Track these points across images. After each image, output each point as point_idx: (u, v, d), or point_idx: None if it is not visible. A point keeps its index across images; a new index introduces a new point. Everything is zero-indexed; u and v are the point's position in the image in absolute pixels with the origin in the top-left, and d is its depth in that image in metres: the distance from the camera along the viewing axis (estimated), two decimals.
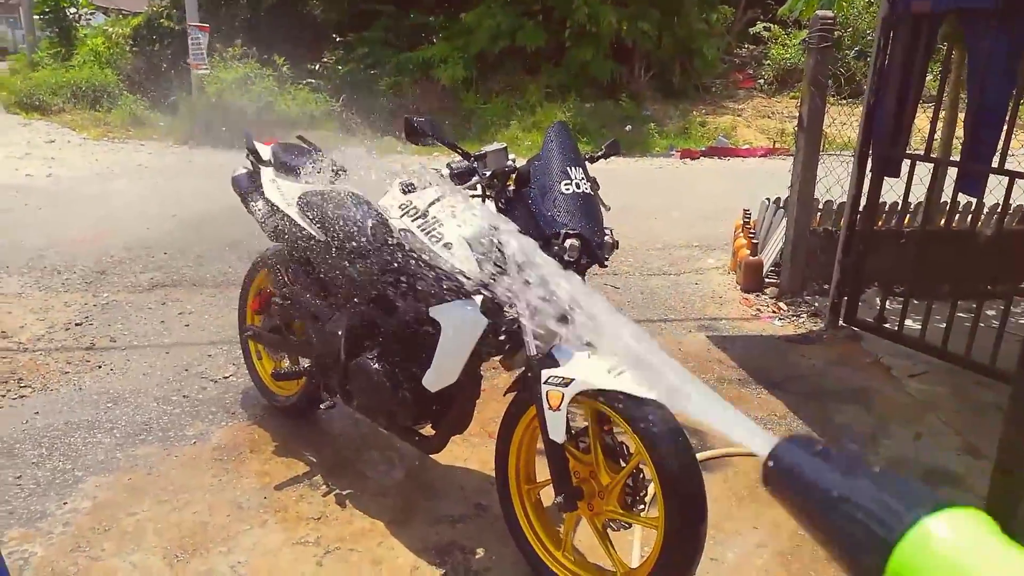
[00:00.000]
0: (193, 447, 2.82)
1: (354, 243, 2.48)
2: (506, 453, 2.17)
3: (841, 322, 4.08)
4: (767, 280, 4.82)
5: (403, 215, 2.19)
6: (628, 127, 12.73)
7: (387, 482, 2.63)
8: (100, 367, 3.46)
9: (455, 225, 2.14)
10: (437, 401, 2.28)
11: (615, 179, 9.35)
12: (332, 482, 2.61)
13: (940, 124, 4.33)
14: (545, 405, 1.93)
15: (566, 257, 1.90)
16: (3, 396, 3.15)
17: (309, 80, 13.46)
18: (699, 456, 2.74)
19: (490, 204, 2.00)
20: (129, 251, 5.22)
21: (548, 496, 2.08)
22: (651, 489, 1.92)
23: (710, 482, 2.64)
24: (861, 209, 3.91)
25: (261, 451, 2.81)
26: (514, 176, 1.99)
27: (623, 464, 1.96)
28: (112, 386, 3.28)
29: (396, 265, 2.28)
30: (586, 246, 1.94)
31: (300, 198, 2.68)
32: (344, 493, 2.55)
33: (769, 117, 13.78)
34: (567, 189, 1.95)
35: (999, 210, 3.64)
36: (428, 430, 2.42)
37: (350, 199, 2.65)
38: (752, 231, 4.96)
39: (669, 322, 4.25)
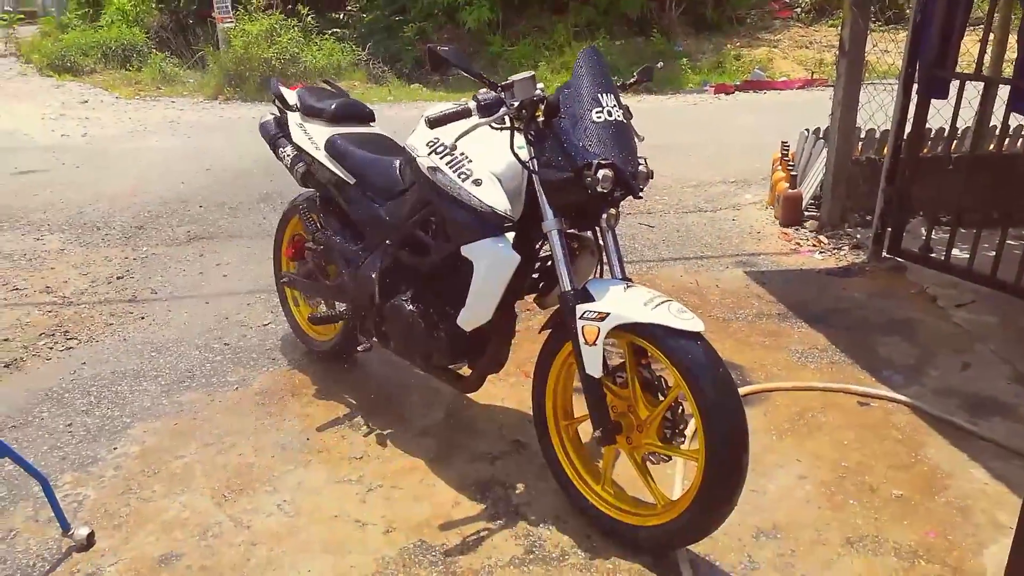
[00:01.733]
0: (236, 392, 2.88)
1: (383, 184, 2.46)
2: (543, 389, 2.16)
3: (885, 253, 3.96)
4: (807, 213, 4.69)
5: (431, 152, 2.15)
6: (660, 64, 12.21)
7: (426, 422, 2.65)
8: (143, 318, 3.53)
9: (484, 160, 2.09)
10: (472, 340, 2.27)
11: (648, 116, 9.13)
12: (372, 423, 2.64)
13: (991, 43, 4.12)
14: (581, 340, 1.91)
15: (599, 188, 1.85)
16: (51, 348, 3.24)
17: (335, 30, 13.30)
18: (740, 391, 2.74)
19: (518, 137, 1.95)
20: (165, 205, 5.27)
21: (586, 431, 2.07)
22: (691, 422, 1.90)
23: (751, 416, 2.60)
24: (906, 135, 3.76)
25: (302, 395, 2.85)
26: (543, 106, 1.92)
27: (661, 398, 1.94)
28: (155, 336, 3.35)
29: (426, 205, 2.25)
30: (619, 176, 1.88)
31: (328, 141, 2.65)
32: (385, 433, 2.58)
33: (807, 47, 13.26)
34: (599, 117, 1.89)
35: None
36: (465, 370, 2.43)
37: (375, 140, 2.61)
38: (790, 164, 4.81)
39: (706, 259, 4.18)
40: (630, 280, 2.01)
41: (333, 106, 2.74)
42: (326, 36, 12.90)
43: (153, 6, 14.97)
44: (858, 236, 4.32)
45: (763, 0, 15.24)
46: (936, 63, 3.50)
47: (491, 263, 2.07)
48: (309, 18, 12.48)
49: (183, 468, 2.42)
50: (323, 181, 2.69)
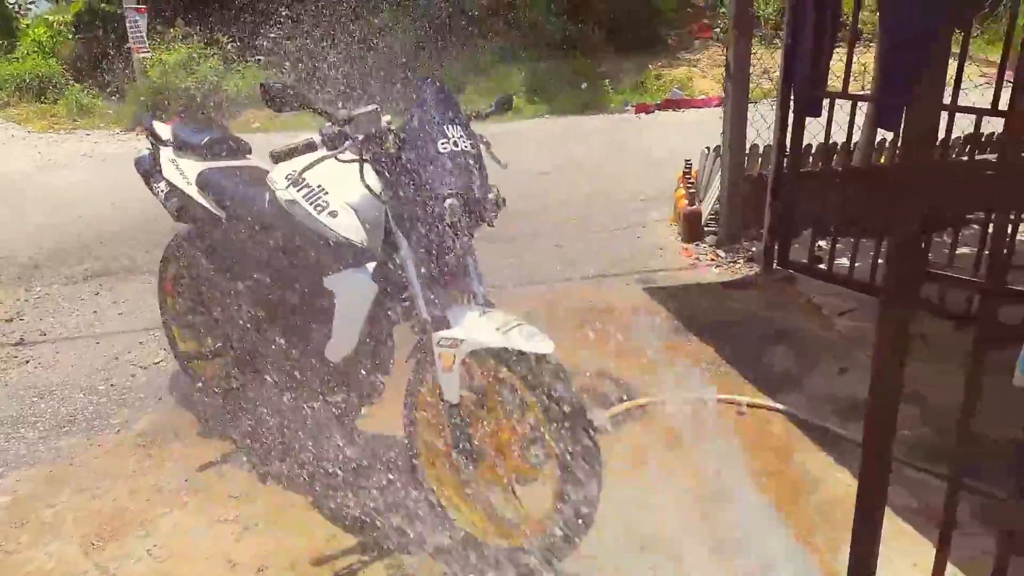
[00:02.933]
0: (117, 435, 2.81)
1: (253, 218, 2.45)
2: (413, 418, 2.17)
3: (776, 265, 4.11)
4: (707, 229, 4.83)
5: (289, 185, 2.16)
6: (584, 84, 12.62)
7: (310, 455, 2.63)
8: (28, 362, 3.42)
9: (341, 192, 2.11)
10: (346, 370, 2.27)
11: (569, 137, 9.30)
12: (255, 459, 2.61)
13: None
14: (439, 367, 1.93)
15: (447, 218, 1.88)
16: None
17: (258, 57, 13.20)
18: (611, 411, 2.80)
19: (368, 169, 1.97)
20: (65, 242, 5.13)
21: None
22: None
23: (630, 430, 2.69)
24: (788, 151, 3.92)
25: (186, 434, 2.80)
26: (391, 138, 1.95)
27: (522, 420, 1.97)
28: (40, 380, 3.25)
29: (290, 238, 2.25)
30: (468, 205, 1.92)
31: (199, 176, 2.63)
32: (266, 470, 2.55)
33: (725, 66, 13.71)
34: (444, 148, 1.92)
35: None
36: (342, 400, 2.42)
37: (247, 173, 2.61)
38: (691, 181, 4.96)
39: (609, 277, 4.26)
40: (490, 305, 2.05)
41: (205, 139, 2.72)
42: (249, 64, 12.79)
43: (70, 37, 14.62)
44: (752, 250, 4.47)
45: (683, 22, 15.74)
46: (808, 83, 3.67)
47: (350, 294, 2.08)
48: (229, 46, 12.34)
49: (53, 516, 2.34)
50: (195, 216, 2.67)
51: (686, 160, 5.45)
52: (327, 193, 2.12)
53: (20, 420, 2.91)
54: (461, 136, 1.97)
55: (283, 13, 14.50)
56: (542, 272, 4.36)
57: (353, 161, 1.95)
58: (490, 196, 2.00)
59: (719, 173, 4.84)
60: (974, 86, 4.08)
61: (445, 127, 1.95)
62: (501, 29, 13.67)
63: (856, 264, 3.82)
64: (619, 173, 6.82)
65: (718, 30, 15.34)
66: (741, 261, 4.39)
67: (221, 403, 2.90)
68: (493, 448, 2.01)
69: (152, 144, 2.87)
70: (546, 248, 4.76)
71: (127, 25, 11.20)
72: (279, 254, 2.32)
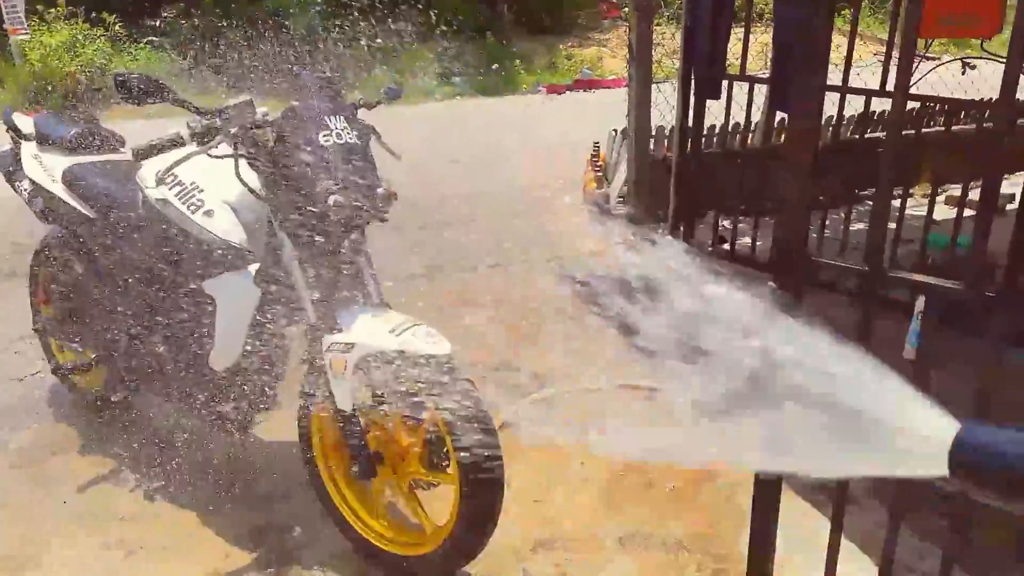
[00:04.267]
0: None
1: (124, 217, 2.27)
2: (308, 425, 2.06)
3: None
4: (615, 212, 4.84)
5: (159, 183, 2.00)
6: (495, 66, 12.52)
7: (200, 469, 2.48)
8: None
9: (217, 189, 1.97)
10: (233, 379, 2.13)
11: (478, 120, 9.19)
12: (141, 477, 2.44)
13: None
14: (330, 373, 1.83)
15: (332, 216, 1.77)
16: None
17: (151, 38, 12.49)
18: (530, 398, 2.75)
19: (244, 165, 1.84)
20: None
21: None
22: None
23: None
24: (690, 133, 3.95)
25: (66, 452, 2.59)
26: (268, 131, 1.82)
27: (420, 425, 1.89)
28: None
29: (165, 239, 2.09)
30: (354, 200, 1.81)
31: (65, 172, 2.42)
32: (154, 487, 2.39)
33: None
34: (326, 140, 1.81)
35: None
36: (232, 410, 2.29)
37: (119, 169, 2.41)
38: (598, 164, 4.96)
39: (520, 264, 4.22)
40: (385, 305, 1.96)
41: (72, 132, 2.50)
42: (141, 45, 12.10)
43: None
44: (659, 232, 4.51)
45: (592, 1, 15.80)
46: (707, 65, 3.69)
47: (231, 299, 1.96)
48: (117, 26, 11.62)
49: None
50: (62, 216, 2.45)
51: (594, 143, 5.45)
52: (202, 191, 1.97)
53: None
54: (344, 127, 1.86)
55: None
56: (454, 263, 4.27)
57: (227, 156, 1.82)
58: (380, 190, 1.89)
59: (626, 156, 4.86)
60: (865, 65, 4.21)
61: (326, 118, 1.83)
62: (412, 11, 13.39)
63: (758, 243, 3.90)
64: (529, 157, 6.77)
65: (627, 10, 15.50)
66: (649, 244, 4.41)
67: (104, 417, 2.71)
68: (392, 455, 1.93)
69: (13, 139, 2.62)
70: (457, 237, 4.67)
71: (2, 5, 10.36)
72: (155, 257, 2.15)
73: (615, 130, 5.30)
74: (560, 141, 7.25)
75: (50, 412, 2.84)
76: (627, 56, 4.61)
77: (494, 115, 9.47)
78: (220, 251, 1.94)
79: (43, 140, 2.53)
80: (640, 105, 4.44)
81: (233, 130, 1.77)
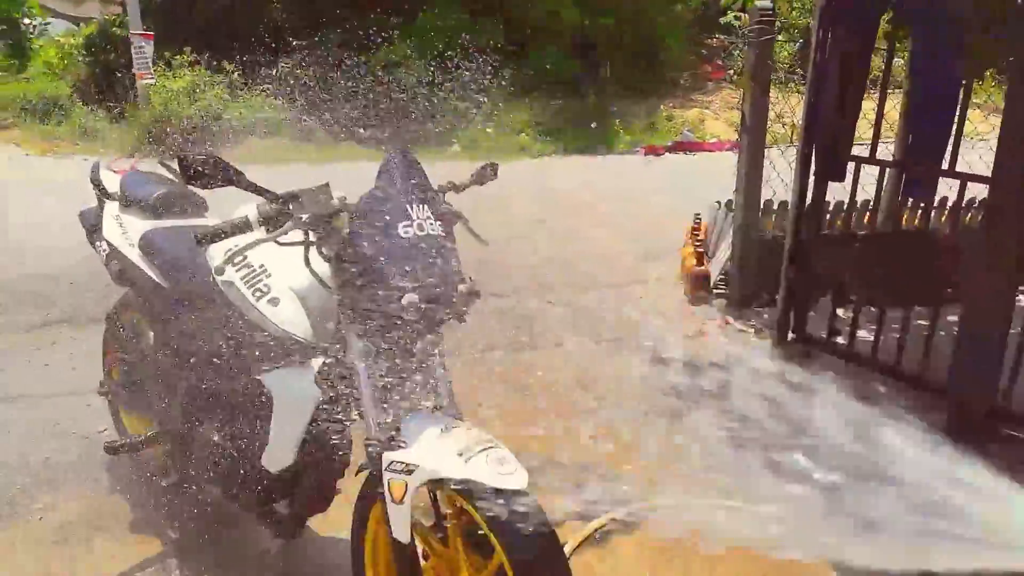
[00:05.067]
0: (36, 524, 2.46)
1: (192, 292, 2.13)
2: (361, 550, 1.82)
3: (790, 337, 3.77)
4: (716, 291, 4.50)
5: (226, 262, 1.84)
6: (593, 124, 12.41)
7: (248, 564, 2.27)
8: None
9: (286, 275, 1.79)
10: (285, 479, 1.93)
11: (571, 179, 9.02)
12: (186, 567, 2.25)
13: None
14: (388, 497, 1.59)
15: (404, 315, 1.55)
16: None
17: (266, 86, 13.05)
18: (609, 515, 2.44)
19: (315, 253, 1.65)
20: (32, 283, 4.83)
21: None
22: None
23: (621, 544, 2.33)
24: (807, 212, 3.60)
25: (113, 528, 2.44)
26: (341, 218, 1.63)
27: (485, 565, 1.62)
28: None
29: (228, 322, 1.92)
30: (430, 300, 1.59)
31: (143, 236, 2.32)
32: None
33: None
34: (406, 232, 1.60)
35: (953, 210, 3.34)
36: (284, 509, 2.08)
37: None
38: (699, 238, 4.64)
39: (601, 343, 3.92)
40: (458, 417, 1.71)
41: (155, 194, 2.41)
42: (256, 93, 12.64)
43: (80, 60, 14.55)
44: (765, 317, 4.13)
45: (696, 62, 15.57)
46: (831, 146, 3.36)
47: (289, 397, 1.76)
48: (235, 74, 12.19)
49: None
50: (135, 282, 2.35)
51: (695, 214, 5.14)
52: (269, 276, 1.80)
53: None
54: (428, 217, 1.65)
55: (292, 42, 14.46)
56: (527, 334, 4.02)
57: (296, 244, 1.63)
58: (462, 288, 1.67)
59: (730, 231, 4.53)
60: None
61: (408, 206, 1.62)
62: (509, 68, 13.53)
63: (880, 339, 3.48)
64: (622, 221, 6.52)
65: (731, 72, 15.17)
66: (752, 330, 4.04)
67: (159, 495, 2.56)
68: None
69: (97, 197, 2.56)
70: (535, 306, 4.43)
71: (132, 51, 11.05)
72: (218, 339, 1.99)
73: (719, 202, 4.98)
74: (654, 205, 6.98)
75: (106, 478, 2.72)
76: (733, 119, 4.32)
77: (588, 175, 9.29)
78: (281, 343, 1.76)
79: (127, 200, 2.45)
80: (750, 179, 4.12)
81: (305, 217, 1.59)
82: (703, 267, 4.46)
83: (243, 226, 1.58)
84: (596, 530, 2.40)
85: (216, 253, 1.90)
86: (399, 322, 1.58)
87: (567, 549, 2.29)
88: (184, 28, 13.88)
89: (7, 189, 8.33)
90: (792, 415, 2.94)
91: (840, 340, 3.68)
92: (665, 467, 2.76)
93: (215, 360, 2.01)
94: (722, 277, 4.56)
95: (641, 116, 12.92)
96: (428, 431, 1.61)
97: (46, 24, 17.49)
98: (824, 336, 3.64)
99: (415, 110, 13.08)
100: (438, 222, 1.67)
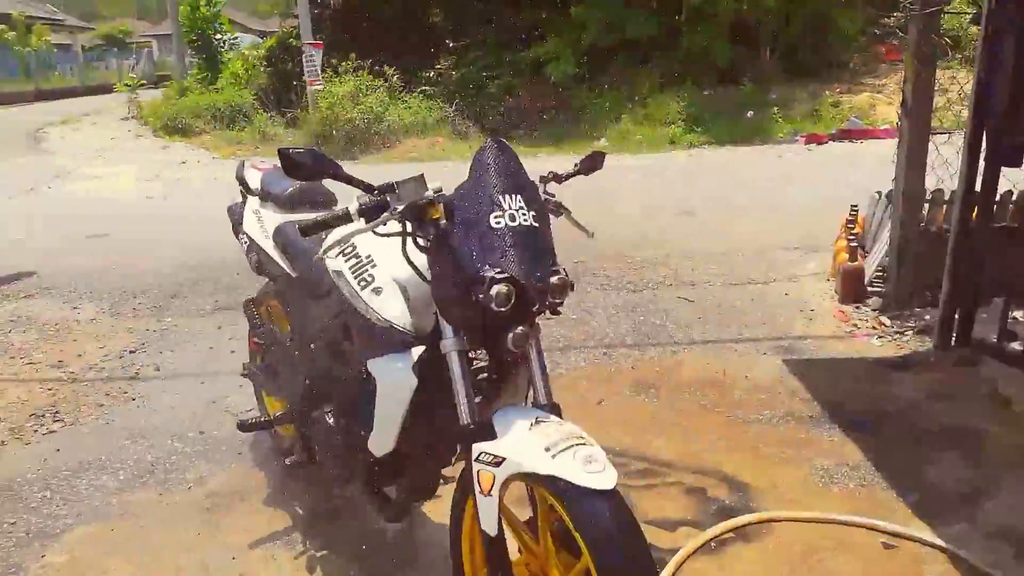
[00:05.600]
0: (188, 493, 2.70)
1: (316, 280, 2.24)
2: (459, 539, 1.84)
3: (954, 342, 3.39)
4: (871, 289, 4.14)
5: (339, 253, 1.92)
6: (749, 113, 11.85)
7: (366, 544, 2.37)
8: (134, 400, 3.47)
9: (390, 266, 1.84)
10: (396, 463, 1.99)
11: (723, 171, 8.66)
12: (310, 541, 2.39)
13: None
14: (476, 488, 1.59)
15: (493, 306, 1.54)
16: (35, 431, 3.20)
17: (424, 88, 13.60)
18: (738, 520, 2.32)
19: (412, 245, 1.67)
20: (205, 272, 5.32)
21: None
22: None
23: (744, 552, 2.20)
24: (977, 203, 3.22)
25: (251, 500, 2.64)
26: (437, 208, 1.65)
27: (572, 565, 1.58)
28: (137, 421, 3.26)
29: (341, 310, 2.01)
30: (521, 291, 1.57)
31: (276, 230, 2.48)
32: (317, 555, 2.32)
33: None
34: (498, 222, 1.59)
35: None
36: (393, 493, 2.14)
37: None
38: (854, 232, 4.28)
39: (742, 342, 3.72)
40: (553, 409, 1.68)
41: (288, 190, 2.57)
42: (414, 94, 13.21)
43: (262, 70, 15.89)
44: (926, 319, 3.74)
45: (868, 43, 14.38)
46: (1006, 128, 2.98)
47: (387, 384, 1.80)
48: (395, 78, 12.80)
49: None
50: (270, 272, 2.52)
51: (852, 205, 4.77)
52: (375, 266, 1.85)
53: (105, 466, 2.90)
54: (520, 208, 1.63)
55: (449, 44, 14.95)
56: (665, 333, 3.89)
57: (394, 235, 1.67)
58: (554, 280, 1.64)
59: (889, 224, 4.15)
60: None
61: (501, 196, 1.61)
62: (662, 57, 13.19)
63: None
64: (774, 214, 6.17)
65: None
66: (910, 333, 3.68)
67: (294, 473, 2.73)
68: None
69: (241, 193, 2.77)
70: (673, 302, 4.28)
71: (303, 60, 11.90)
72: (334, 327, 2.08)
73: (879, 192, 4.58)
74: (812, 197, 6.54)
75: (250, 454, 2.94)
76: (899, 106, 3.93)
77: (742, 165, 8.88)
78: (384, 331, 1.81)
79: (265, 196, 2.63)
80: (912, 166, 3.74)
81: (400, 208, 1.62)
82: (856, 263, 4.12)
83: (344, 217, 1.64)
84: (712, 539, 2.27)
85: (330, 242, 1.98)
86: (489, 314, 1.57)
87: (680, 555, 2.20)
88: (352, 36, 14.75)
89: (197, 187, 9.24)
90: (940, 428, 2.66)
91: (1016, 346, 3.27)
92: (790, 479, 2.59)
93: (332, 347, 2.11)
94: (879, 273, 4.19)
95: (804, 102, 12.17)
96: (518, 424, 1.59)
97: (235, 39, 19.23)
98: (995, 341, 3.24)
99: (565, 105, 13.14)
100: (532, 212, 1.64)
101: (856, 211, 4.77)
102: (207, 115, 14.59)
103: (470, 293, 1.57)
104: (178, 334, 4.26)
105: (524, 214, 1.63)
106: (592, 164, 2.00)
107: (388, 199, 1.65)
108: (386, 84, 12.75)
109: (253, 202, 2.67)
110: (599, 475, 1.47)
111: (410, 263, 1.71)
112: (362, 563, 2.28)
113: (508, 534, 1.71)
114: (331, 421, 2.09)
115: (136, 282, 5.20)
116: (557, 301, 1.66)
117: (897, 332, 3.70)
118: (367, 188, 1.65)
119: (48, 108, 19.38)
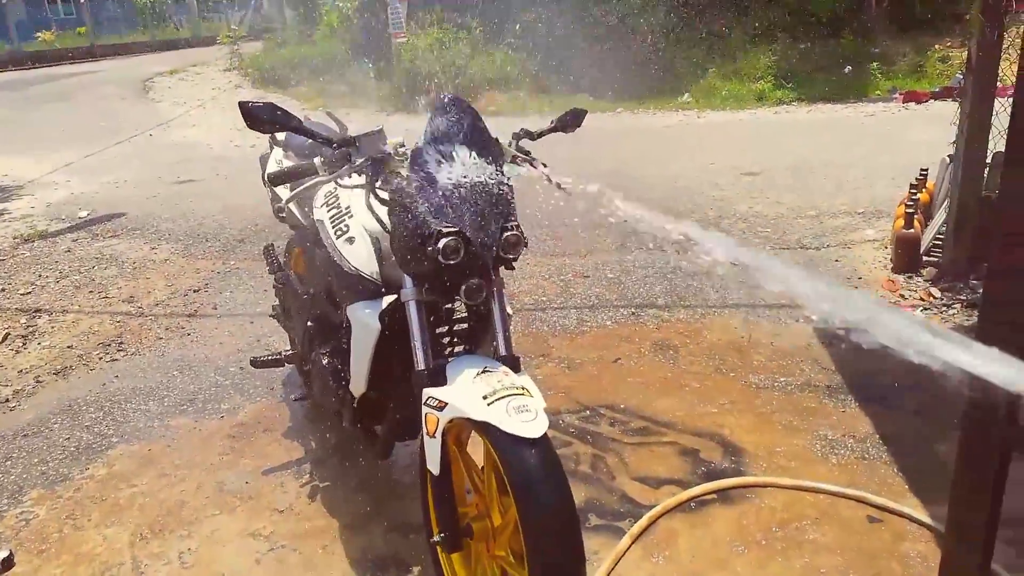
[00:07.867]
0: (219, 421, 2.94)
1: (315, 230, 2.37)
2: (424, 481, 1.95)
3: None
4: (926, 259, 3.93)
5: (323, 204, 2.03)
6: (847, 68, 11.17)
7: (368, 476, 2.53)
8: (189, 335, 3.75)
9: (360, 217, 1.94)
10: (375, 403, 2.11)
11: (804, 130, 8.27)
12: (317, 472, 2.57)
13: None
14: (424, 429, 1.69)
15: (440, 259, 1.61)
16: (100, 359, 3.53)
17: (509, 40, 13.51)
18: (723, 483, 2.33)
19: (371, 196, 1.76)
20: (272, 220, 5.58)
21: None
22: None
23: (723, 516, 2.23)
24: None
25: (273, 431, 2.85)
26: (395, 162, 1.72)
27: (506, 509, 1.66)
28: (189, 353, 3.54)
29: (327, 258, 2.13)
30: (471, 245, 1.63)
31: None
32: (321, 485, 2.50)
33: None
34: (452, 178, 1.65)
35: None
36: (378, 431, 2.28)
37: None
38: (914, 197, 4.06)
39: (775, 308, 3.63)
40: (509, 361, 1.75)
41: (308, 143, 2.68)
42: (499, 47, 13.15)
43: (355, 22, 16.18)
44: (979, 292, 3.53)
45: None
46: None
47: (358, 329, 1.91)
48: (479, 30, 12.78)
49: (127, 499, 2.50)
50: (290, 221, 2.67)
51: (921, 170, 4.53)
52: (351, 216, 1.96)
53: (153, 393, 3.18)
54: (476, 163, 1.68)
55: None
56: (700, 295, 3.85)
57: (357, 187, 1.76)
58: (507, 236, 1.69)
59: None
60: None
61: (455, 150, 1.67)
62: (759, 7, 12.55)
63: None
64: (845, 177, 5.89)
65: None
66: (958, 306, 3.50)
67: (310, 410, 2.92)
68: (483, 531, 1.73)
69: (270, 143, 2.93)
70: (719, 265, 4.20)
71: (388, 12, 12.05)
72: (324, 273, 2.21)
73: (948, 157, 4.31)
74: (892, 160, 6.19)
75: (280, 390, 3.16)
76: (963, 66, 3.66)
77: (827, 125, 8.46)
78: (355, 279, 1.91)
79: (286, 146, 2.78)
80: (974, 128, 3.51)
81: (359, 161, 1.71)
82: (912, 230, 3.92)
83: (309, 168, 1.74)
84: (692, 498, 2.30)
85: (320, 193, 2.10)
86: (439, 265, 1.64)
87: (656, 511, 2.24)
88: None
89: None
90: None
91: None
92: (788, 446, 2.57)
93: (327, 292, 2.24)
94: (938, 242, 3.97)
95: (908, 57, 11.36)
96: (466, 372, 1.67)
97: None
98: None
99: (649, 60, 12.77)
100: (487, 166, 1.69)
101: (925, 175, 4.52)
102: (302, 67, 15.06)
103: (424, 245, 1.64)
104: (239, 276, 4.54)
105: (478, 169, 1.68)
106: (573, 120, 2.02)
107: (350, 152, 1.73)
108: (469, 37, 12.75)
109: (278, 152, 2.81)
110: (528, 424, 1.53)
111: (374, 215, 1.80)
112: (363, 493, 2.44)
113: (469, 478, 1.81)
114: (325, 362, 2.22)
115: (211, 226, 5.55)
116: (510, 256, 1.71)
117: (944, 305, 3.52)
118: (326, 141, 1.73)
119: (161, 59, 20.48)
